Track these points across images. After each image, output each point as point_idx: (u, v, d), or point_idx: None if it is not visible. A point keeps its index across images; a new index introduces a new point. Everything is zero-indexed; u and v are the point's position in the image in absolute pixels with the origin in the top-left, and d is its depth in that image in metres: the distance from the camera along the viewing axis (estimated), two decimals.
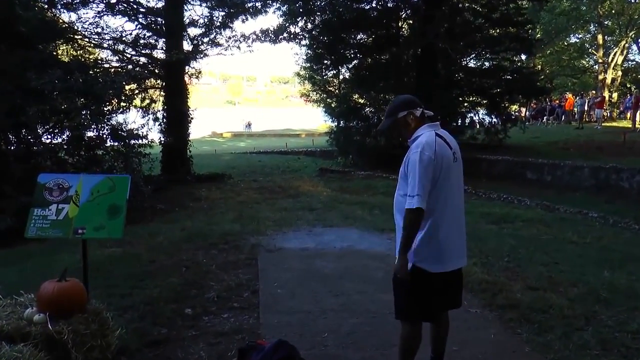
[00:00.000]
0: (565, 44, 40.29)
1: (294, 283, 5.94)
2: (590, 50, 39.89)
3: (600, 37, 36.20)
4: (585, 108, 29.89)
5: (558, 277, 5.92)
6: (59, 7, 14.86)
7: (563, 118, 32.07)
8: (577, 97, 30.90)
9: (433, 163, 3.22)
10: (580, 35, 40.05)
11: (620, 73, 36.87)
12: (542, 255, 6.97)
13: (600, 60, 36.45)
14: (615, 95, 36.77)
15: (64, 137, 11.62)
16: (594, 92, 35.28)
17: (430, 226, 3.31)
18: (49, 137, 11.65)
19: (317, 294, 5.56)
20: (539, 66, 32.61)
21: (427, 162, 3.21)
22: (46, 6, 14.30)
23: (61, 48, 14.98)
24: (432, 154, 3.24)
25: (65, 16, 15.66)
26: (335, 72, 23.60)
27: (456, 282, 3.59)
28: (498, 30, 20.88)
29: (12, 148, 11.28)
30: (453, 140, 3.49)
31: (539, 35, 30.95)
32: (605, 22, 36.20)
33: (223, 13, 16.70)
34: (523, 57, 26.34)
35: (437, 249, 3.33)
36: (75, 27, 15.65)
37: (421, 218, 3.24)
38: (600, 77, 35.82)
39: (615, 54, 35.16)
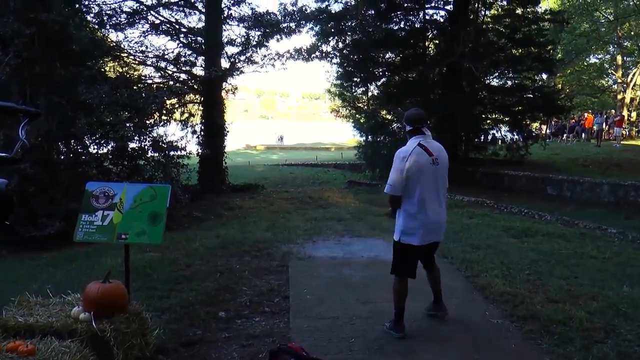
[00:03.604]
0: (585, 64, 39.77)
1: (323, 290, 5.90)
2: (609, 70, 39.27)
3: (619, 57, 35.69)
4: (604, 127, 29.34)
5: (578, 291, 5.78)
6: (108, 27, 15.27)
7: (583, 136, 31.51)
8: (596, 116, 30.38)
9: (404, 162, 4.28)
10: (599, 56, 39.54)
11: (639, 92, 36.20)
12: (562, 268, 6.81)
13: (619, 80, 35.86)
14: (634, 114, 36.13)
15: (109, 147, 11.79)
16: (613, 111, 34.66)
17: (412, 211, 4.39)
18: (96, 147, 11.81)
19: (345, 301, 5.52)
20: (560, 85, 32.19)
21: (398, 161, 4.34)
22: (96, 26, 14.70)
23: (109, 65, 15.28)
24: (406, 156, 4.30)
25: (113, 35, 16.09)
26: (364, 89, 23.70)
27: (431, 250, 4.81)
28: (520, 50, 20.74)
29: (62, 157, 11.49)
30: (437, 148, 4.45)
31: (559, 55, 30.58)
32: (625, 43, 35.68)
33: (259, 33, 16.89)
34: (544, 76, 26.11)
35: (418, 228, 4.41)
36: (122, 46, 16.02)
37: (395, 199, 4.47)
38: (619, 96, 35.24)
39: (634, 74, 34.59)
